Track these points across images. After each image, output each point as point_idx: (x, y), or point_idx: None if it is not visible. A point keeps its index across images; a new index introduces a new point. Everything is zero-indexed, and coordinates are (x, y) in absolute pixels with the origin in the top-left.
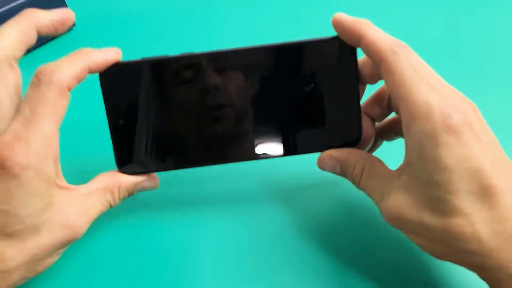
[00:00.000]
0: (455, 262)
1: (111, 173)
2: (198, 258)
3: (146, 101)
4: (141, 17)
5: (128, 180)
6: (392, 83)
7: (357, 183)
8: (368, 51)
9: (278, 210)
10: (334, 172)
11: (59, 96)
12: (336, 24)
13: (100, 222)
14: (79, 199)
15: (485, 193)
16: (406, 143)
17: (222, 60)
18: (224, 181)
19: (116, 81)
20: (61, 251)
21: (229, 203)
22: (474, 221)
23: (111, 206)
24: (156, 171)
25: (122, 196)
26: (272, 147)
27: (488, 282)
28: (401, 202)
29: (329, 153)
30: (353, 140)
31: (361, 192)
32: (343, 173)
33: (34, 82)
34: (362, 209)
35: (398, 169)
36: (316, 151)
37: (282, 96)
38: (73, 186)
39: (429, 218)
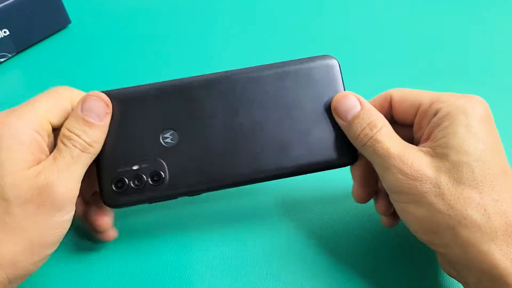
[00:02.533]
0: (447, 244)
1: None
2: (195, 280)
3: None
4: (136, 15)
5: (68, 119)
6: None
7: (372, 133)
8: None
9: (282, 226)
10: (345, 113)
11: None
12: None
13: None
14: (52, 165)
15: (504, 171)
16: (428, 127)
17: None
18: (224, 197)
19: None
20: (60, 215)
21: (228, 221)
22: (487, 196)
23: (80, 149)
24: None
25: (78, 132)
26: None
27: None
28: (423, 161)
29: (354, 94)
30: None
31: (367, 207)
32: (359, 117)
33: None
34: (371, 223)
35: (418, 146)
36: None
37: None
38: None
39: (446, 183)
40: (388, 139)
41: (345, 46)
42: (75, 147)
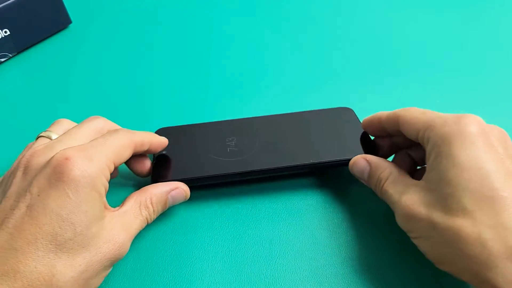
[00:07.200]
0: (457, 272)
1: (142, 189)
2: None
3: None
4: (136, 15)
5: (158, 190)
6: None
7: (380, 186)
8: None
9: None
10: (361, 174)
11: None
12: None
13: None
14: (119, 218)
15: (493, 198)
16: (426, 157)
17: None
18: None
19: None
20: (106, 272)
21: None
22: (480, 223)
23: (147, 221)
24: (183, 178)
25: (156, 209)
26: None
27: None
28: (415, 201)
29: (363, 156)
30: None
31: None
32: (370, 175)
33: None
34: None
35: (421, 180)
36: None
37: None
38: (113, 208)
39: (438, 217)
40: (392, 187)
41: (339, 46)
42: (146, 218)
